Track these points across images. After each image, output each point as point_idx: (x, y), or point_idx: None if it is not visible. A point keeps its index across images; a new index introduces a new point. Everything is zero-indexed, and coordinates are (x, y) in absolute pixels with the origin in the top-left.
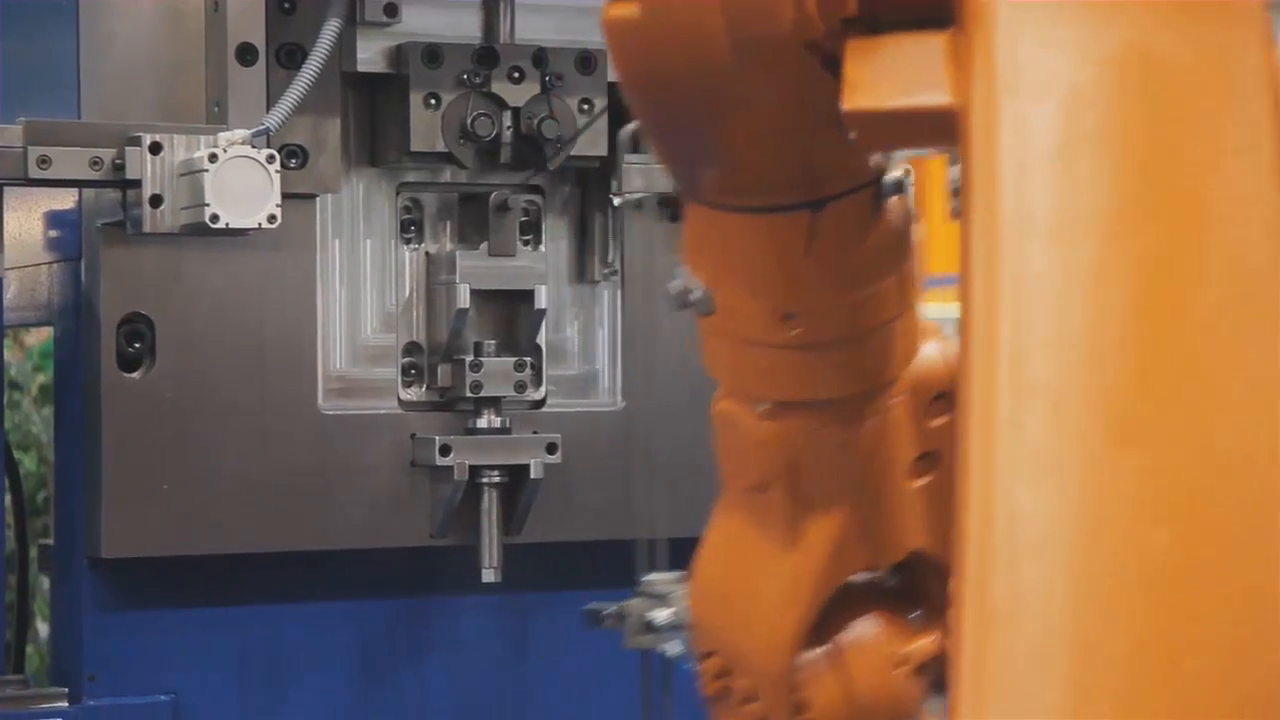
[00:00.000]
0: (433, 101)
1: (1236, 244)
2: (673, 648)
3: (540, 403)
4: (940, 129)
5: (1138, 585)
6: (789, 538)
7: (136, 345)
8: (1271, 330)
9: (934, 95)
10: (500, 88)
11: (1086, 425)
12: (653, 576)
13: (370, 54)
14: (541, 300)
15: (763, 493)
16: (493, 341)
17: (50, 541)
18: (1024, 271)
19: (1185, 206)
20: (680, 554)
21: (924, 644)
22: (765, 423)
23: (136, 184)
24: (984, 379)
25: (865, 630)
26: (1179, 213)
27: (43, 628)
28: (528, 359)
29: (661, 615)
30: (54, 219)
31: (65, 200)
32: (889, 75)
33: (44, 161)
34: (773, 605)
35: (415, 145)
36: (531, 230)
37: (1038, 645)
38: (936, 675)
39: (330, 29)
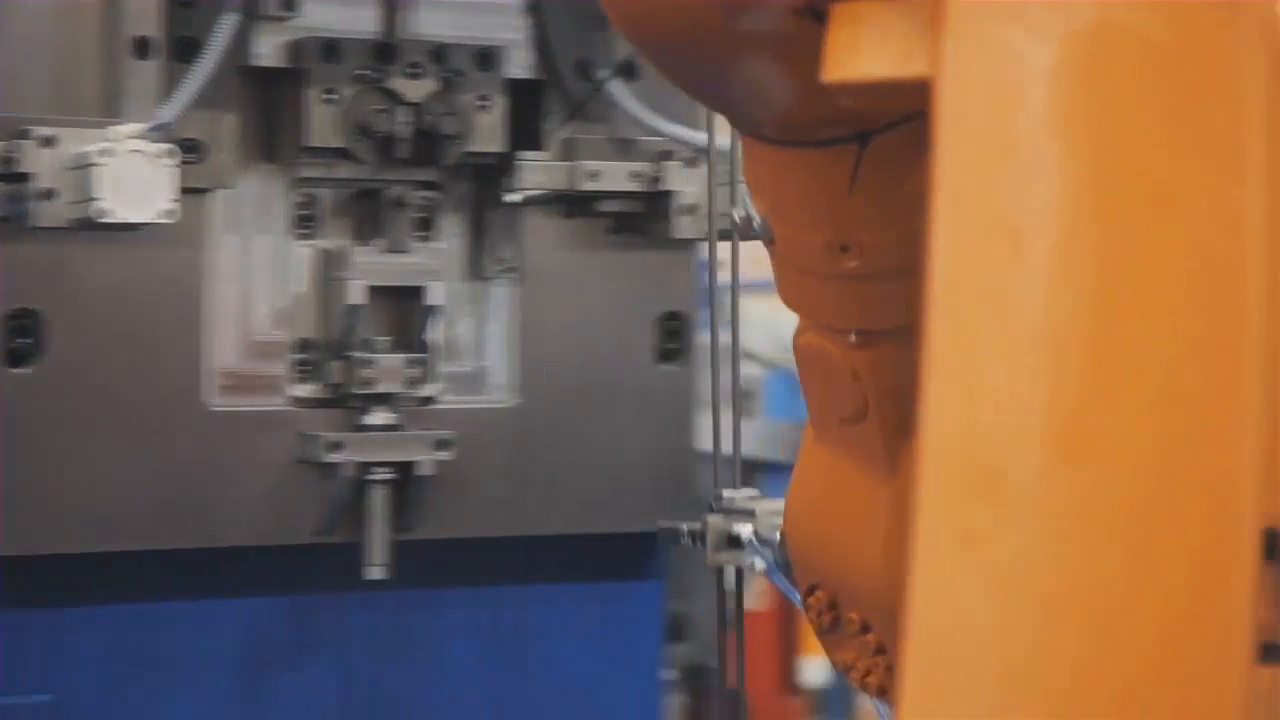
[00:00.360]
0: (330, 96)
1: (1207, 241)
2: (756, 563)
3: (432, 399)
4: (927, 94)
5: (1084, 603)
6: (890, 466)
7: (25, 340)
8: (1237, 336)
9: (911, 66)
10: (399, 83)
11: (1037, 438)
12: (730, 493)
13: (268, 48)
14: (435, 297)
15: (858, 424)
16: (386, 338)
17: None
18: (982, 270)
19: (1154, 200)
20: (576, 552)
21: None
22: (856, 352)
23: (28, 178)
24: (938, 384)
25: None
26: (1147, 207)
27: None
28: (420, 355)
29: (746, 530)
30: None
31: None
32: (869, 44)
33: None
34: (881, 535)
35: (312, 140)
36: (427, 226)
37: (979, 661)
38: None
39: (227, 22)
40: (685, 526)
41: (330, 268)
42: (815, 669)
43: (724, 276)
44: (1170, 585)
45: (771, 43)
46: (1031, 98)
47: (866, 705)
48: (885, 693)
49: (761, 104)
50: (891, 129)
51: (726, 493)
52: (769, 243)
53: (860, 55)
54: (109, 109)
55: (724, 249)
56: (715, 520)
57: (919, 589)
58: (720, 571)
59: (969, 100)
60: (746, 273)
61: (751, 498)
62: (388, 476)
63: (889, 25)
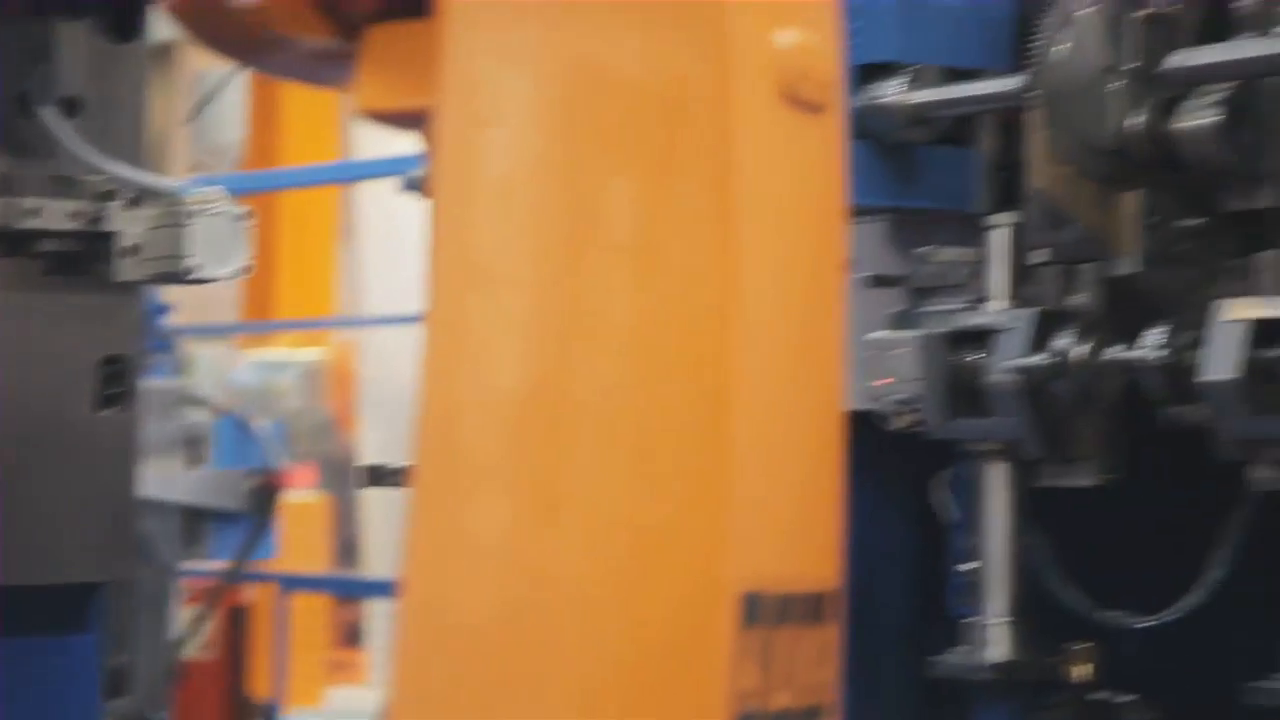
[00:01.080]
0: None
1: (682, 283)
2: None
3: None
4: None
5: (566, 664)
6: None
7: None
8: (711, 386)
9: (424, 97)
10: None
11: (514, 497)
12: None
13: None
14: None
15: None
16: None
17: None
18: (461, 321)
19: (630, 245)
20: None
21: None
22: None
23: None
24: (424, 440)
25: None
26: (623, 252)
27: None
28: None
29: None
30: None
31: None
32: (390, 72)
33: None
34: None
35: None
36: None
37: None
38: None
39: None
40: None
41: None
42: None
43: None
44: (647, 645)
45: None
46: (508, 135)
47: None
48: None
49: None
50: None
51: None
52: None
53: (381, 85)
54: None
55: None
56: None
57: (400, 650)
58: (162, 622)
59: (453, 135)
60: (195, 317)
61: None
62: None
63: (409, 51)
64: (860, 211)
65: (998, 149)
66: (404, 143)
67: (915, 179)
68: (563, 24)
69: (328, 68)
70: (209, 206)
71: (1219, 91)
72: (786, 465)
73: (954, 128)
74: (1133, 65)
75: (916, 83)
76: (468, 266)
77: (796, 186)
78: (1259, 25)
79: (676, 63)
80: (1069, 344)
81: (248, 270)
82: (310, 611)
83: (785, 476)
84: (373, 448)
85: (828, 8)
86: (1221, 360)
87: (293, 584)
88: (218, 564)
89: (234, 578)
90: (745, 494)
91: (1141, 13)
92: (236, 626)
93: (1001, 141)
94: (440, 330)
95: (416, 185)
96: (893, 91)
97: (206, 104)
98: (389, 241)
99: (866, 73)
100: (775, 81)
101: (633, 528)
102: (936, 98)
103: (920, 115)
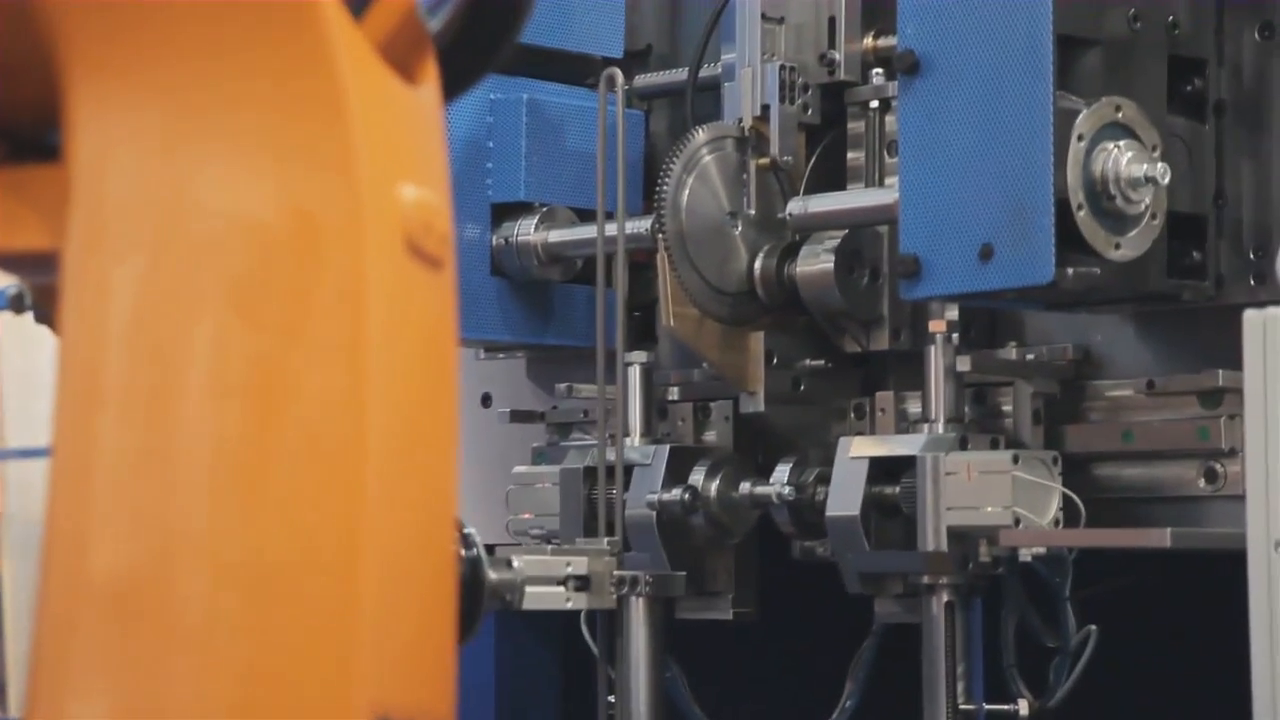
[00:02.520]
0: None
1: (314, 422)
2: None
3: None
4: (53, 265)
5: None
6: None
7: None
8: (350, 523)
9: (35, 237)
10: None
11: (147, 631)
12: None
13: None
14: None
15: None
16: None
17: None
18: (93, 452)
19: (265, 381)
20: None
21: None
22: None
23: None
24: (49, 569)
25: None
26: (258, 388)
27: None
28: None
29: None
30: None
31: None
32: (14, 213)
33: None
34: None
35: None
36: None
37: None
38: None
39: None
40: None
41: None
42: None
43: None
44: None
45: None
46: (148, 280)
47: None
48: None
49: None
50: None
51: None
52: None
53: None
54: None
55: None
56: None
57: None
58: None
59: (85, 287)
60: None
61: None
62: None
63: (21, 191)
64: (498, 348)
65: (631, 288)
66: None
67: (551, 317)
68: (190, 164)
69: None
70: None
71: (834, 239)
72: (408, 598)
73: (588, 267)
74: (752, 211)
75: (547, 223)
76: (102, 400)
77: (419, 336)
78: (872, 178)
79: (308, 205)
80: (702, 480)
81: None
82: None
83: (407, 609)
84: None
85: (442, 165)
86: (844, 496)
87: None
88: None
89: None
90: (371, 625)
91: (761, 160)
92: None
93: (635, 281)
94: (62, 462)
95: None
96: (524, 231)
97: None
98: (28, 375)
99: (499, 212)
100: (403, 232)
101: (257, 667)
102: (568, 237)
103: (554, 254)
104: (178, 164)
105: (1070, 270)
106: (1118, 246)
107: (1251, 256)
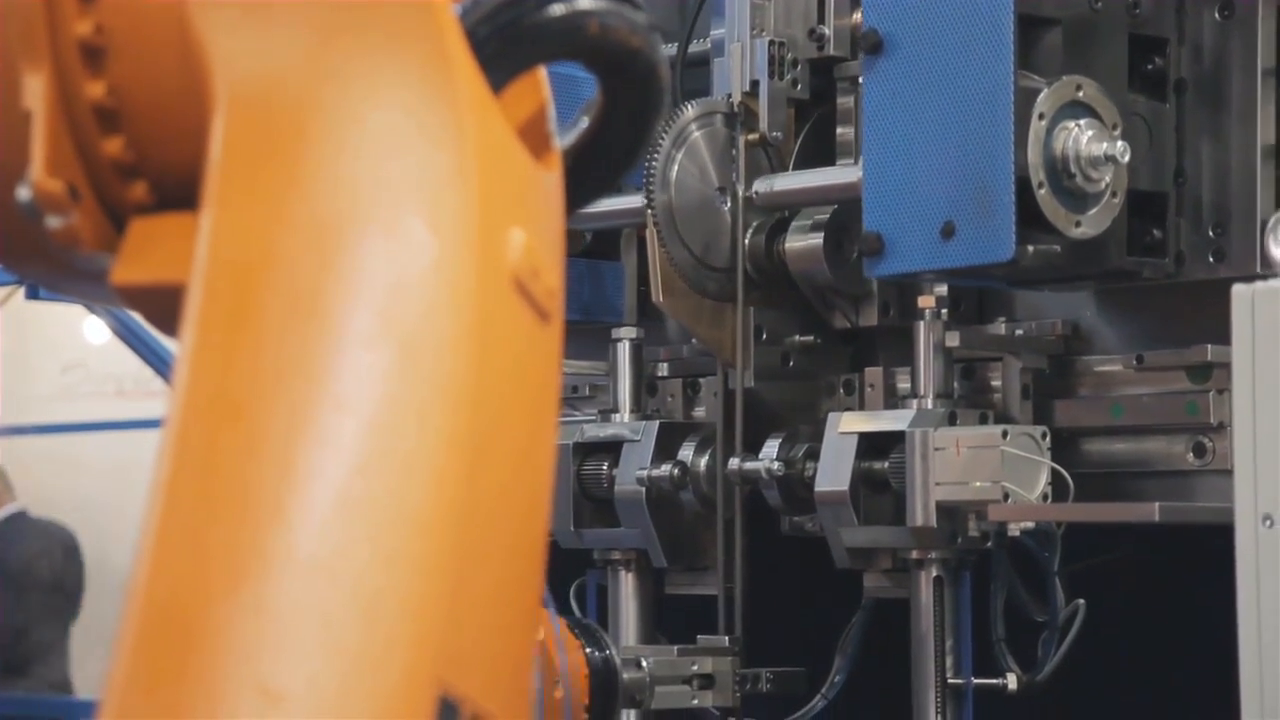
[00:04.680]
0: None
1: (417, 445)
2: None
3: None
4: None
5: None
6: None
7: None
8: (439, 534)
9: (180, 271)
10: None
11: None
12: None
13: None
14: None
15: None
16: None
17: None
18: (209, 463)
19: (376, 397)
20: None
21: None
22: None
23: None
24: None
25: None
26: (370, 402)
27: None
28: None
29: None
30: None
31: None
32: (150, 251)
33: None
34: None
35: None
36: None
37: None
38: None
39: None
40: None
41: None
42: None
43: None
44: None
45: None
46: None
47: None
48: None
49: None
50: None
51: None
52: None
53: (140, 260)
54: None
55: None
56: None
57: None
58: None
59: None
60: None
61: None
62: None
63: (172, 235)
64: None
65: (638, 263)
66: None
67: (569, 291)
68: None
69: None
70: None
71: (823, 214)
72: (498, 597)
73: (597, 241)
74: (741, 187)
75: None
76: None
77: (523, 374)
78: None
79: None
80: (691, 455)
81: None
82: None
83: (491, 610)
84: None
85: (559, 239)
86: (833, 472)
87: None
88: None
89: None
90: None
91: (750, 136)
92: None
93: (641, 256)
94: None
95: None
96: None
97: None
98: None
99: None
100: (511, 270)
101: (328, 635)
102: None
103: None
104: (297, 139)
105: (1031, 248)
106: (1078, 224)
107: (1211, 234)
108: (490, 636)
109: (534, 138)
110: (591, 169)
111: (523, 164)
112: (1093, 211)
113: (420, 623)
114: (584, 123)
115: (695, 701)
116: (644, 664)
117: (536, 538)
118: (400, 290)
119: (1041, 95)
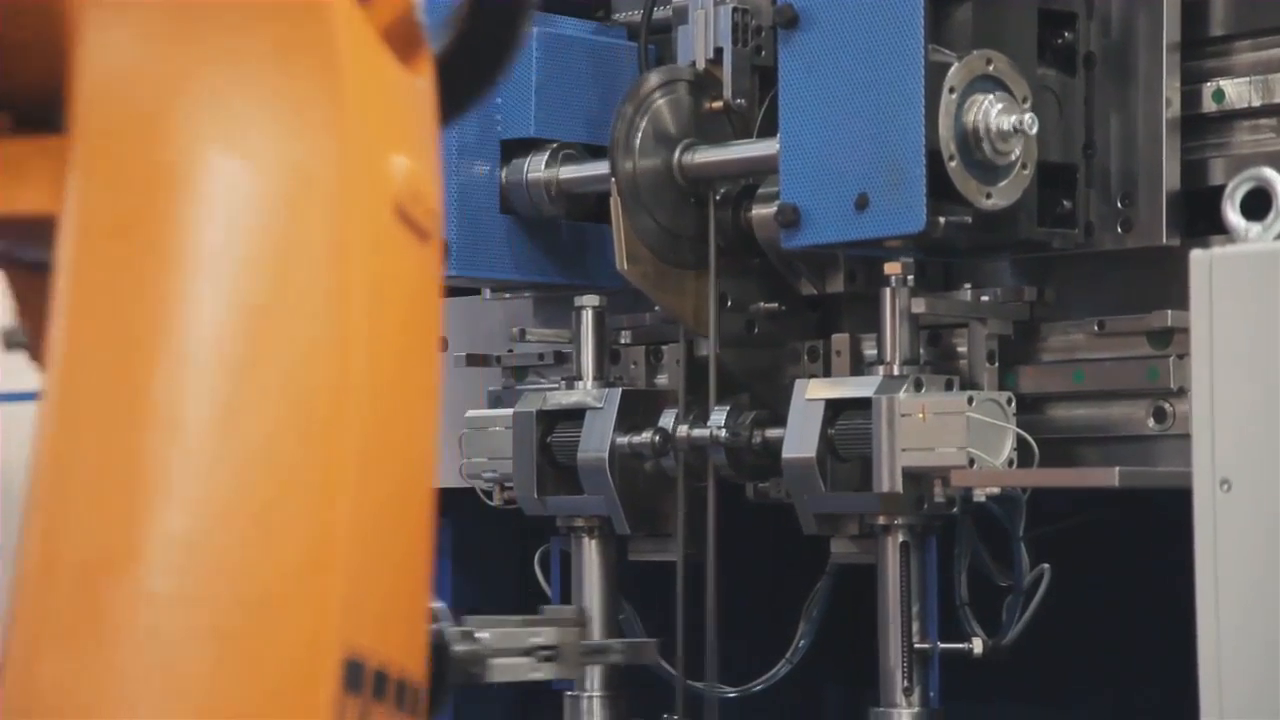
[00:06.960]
0: None
1: (298, 369)
2: None
3: None
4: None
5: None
6: None
7: None
8: (328, 469)
9: (34, 201)
10: None
11: (125, 573)
12: None
13: None
14: None
15: None
16: None
17: None
18: (80, 402)
19: (250, 326)
20: None
21: None
22: None
23: None
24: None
25: None
26: (244, 333)
27: None
28: None
29: None
30: None
31: None
32: (19, 182)
33: None
34: None
35: None
36: None
37: None
38: None
39: None
40: None
41: None
42: None
43: None
44: (245, 706)
45: None
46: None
47: None
48: None
49: None
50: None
51: None
52: None
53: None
54: None
55: None
56: None
57: None
58: None
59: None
60: None
61: None
62: None
63: (20, 159)
64: (506, 287)
65: None
66: None
67: (561, 256)
68: (187, 111)
69: None
70: None
71: None
72: (384, 550)
73: (599, 205)
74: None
75: (556, 160)
76: (79, 349)
77: (404, 297)
78: None
79: (300, 159)
80: (672, 423)
81: None
82: None
83: (383, 560)
84: None
85: (434, 147)
86: (800, 438)
87: None
88: None
89: None
90: (348, 564)
91: (714, 103)
92: None
93: None
94: (50, 415)
95: None
96: (535, 168)
97: None
98: None
99: (509, 149)
100: (392, 196)
101: (244, 597)
102: (579, 174)
103: (565, 191)
104: (175, 110)
105: (942, 219)
106: (989, 196)
107: (1119, 205)
108: (387, 578)
109: (403, 39)
110: (461, 75)
111: (398, 84)
112: (1003, 183)
113: (320, 585)
114: (452, 26)
115: (537, 675)
116: (479, 636)
117: (425, 466)
118: (275, 216)
119: (952, 69)
